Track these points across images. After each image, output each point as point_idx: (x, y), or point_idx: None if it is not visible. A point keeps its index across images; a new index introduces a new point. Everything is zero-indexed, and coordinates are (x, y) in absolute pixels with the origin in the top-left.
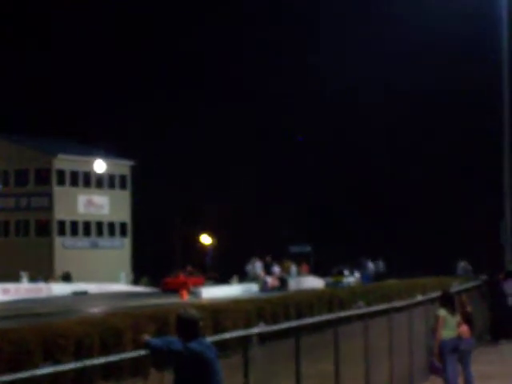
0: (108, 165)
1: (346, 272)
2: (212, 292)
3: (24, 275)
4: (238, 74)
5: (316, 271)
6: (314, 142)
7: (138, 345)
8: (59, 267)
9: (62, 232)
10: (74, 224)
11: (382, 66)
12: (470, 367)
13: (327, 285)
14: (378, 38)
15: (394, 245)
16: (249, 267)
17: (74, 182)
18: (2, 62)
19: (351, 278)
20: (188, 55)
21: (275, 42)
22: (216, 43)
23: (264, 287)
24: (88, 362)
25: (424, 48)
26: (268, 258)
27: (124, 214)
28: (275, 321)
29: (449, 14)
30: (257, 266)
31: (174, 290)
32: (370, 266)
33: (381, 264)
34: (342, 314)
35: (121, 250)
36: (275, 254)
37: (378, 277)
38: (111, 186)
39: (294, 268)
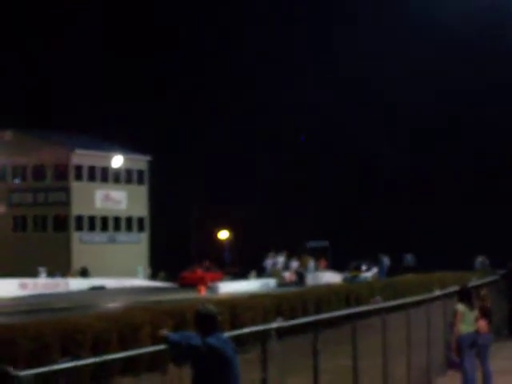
0: (125, 160)
1: (364, 267)
2: (230, 287)
3: (42, 270)
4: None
5: (334, 266)
6: (328, 136)
7: (156, 340)
8: (77, 262)
9: (79, 227)
10: (92, 219)
11: (386, 66)
12: (488, 362)
13: (344, 279)
14: (379, 38)
15: (411, 240)
16: (268, 262)
17: (92, 177)
18: (21, 56)
19: (368, 273)
20: (188, 55)
21: (276, 42)
22: (216, 43)
23: (282, 282)
24: (106, 357)
25: (430, 48)
26: (284, 253)
27: (141, 209)
28: (293, 316)
29: (455, 13)
30: (279, 261)
31: (192, 285)
32: (386, 261)
33: (410, 258)
34: (360, 308)
35: (138, 245)
36: (292, 249)
37: (407, 270)
38: (129, 180)
39: (311, 263)
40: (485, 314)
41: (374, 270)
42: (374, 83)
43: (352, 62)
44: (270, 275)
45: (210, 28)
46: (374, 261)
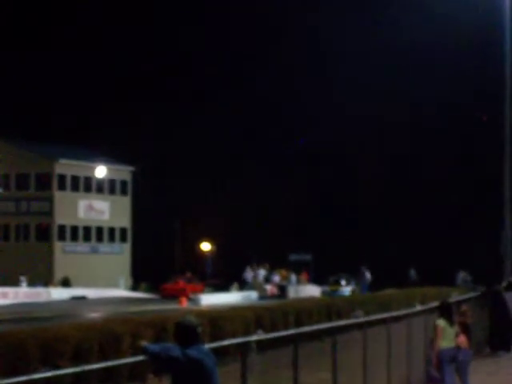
0: (109, 170)
1: (343, 281)
2: (211, 299)
3: (23, 279)
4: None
5: (316, 280)
6: (315, 148)
7: (136, 350)
8: (59, 272)
9: (62, 237)
10: (74, 229)
11: (383, 72)
12: (467, 377)
13: (323, 293)
14: (379, 43)
15: (393, 254)
16: (247, 275)
17: (75, 187)
18: (3, 65)
19: (348, 288)
20: (188, 57)
21: (276, 45)
22: (216, 44)
23: (264, 295)
24: (86, 367)
25: (425, 56)
26: (266, 266)
27: (124, 220)
28: (274, 328)
29: (450, 18)
30: (259, 274)
31: (173, 296)
32: (368, 275)
33: (413, 272)
34: (341, 322)
35: (120, 256)
36: (275, 261)
37: (411, 285)
38: (112, 191)
39: (293, 276)
40: (465, 329)
41: (353, 284)
42: (372, 92)
43: (353, 67)
44: (250, 288)
45: (207, 28)
46: (356, 275)
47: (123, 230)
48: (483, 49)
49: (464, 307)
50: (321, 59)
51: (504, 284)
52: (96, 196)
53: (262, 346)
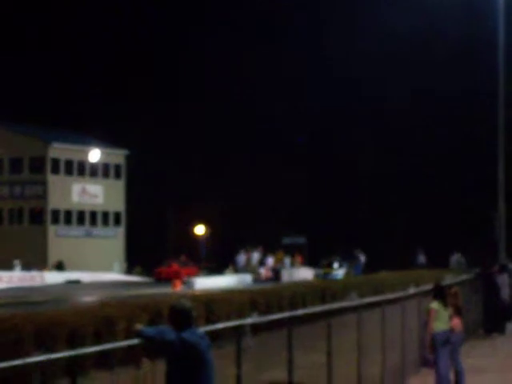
0: (103, 154)
1: (336, 264)
2: (205, 282)
3: (17, 263)
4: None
5: (311, 263)
6: (309, 136)
7: (131, 334)
8: (53, 256)
9: (55, 221)
10: (68, 213)
11: (379, 66)
12: (459, 358)
13: (316, 277)
14: (379, 42)
15: (388, 237)
16: (239, 258)
17: (69, 171)
18: None
19: (340, 271)
20: (188, 51)
21: (275, 46)
22: (215, 42)
23: (258, 278)
24: (81, 351)
25: (421, 49)
26: (260, 249)
27: (118, 204)
28: (268, 311)
29: (443, 14)
30: (254, 257)
31: (167, 280)
32: (362, 258)
33: (421, 257)
34: (335, 305)
35: (114, 240)
36: (269, 245)
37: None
38: (106, 175)
39: (287, 259)
40: (457, 311)
41: (347, 267)
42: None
43: (347, 66)
44: (243, 271)
45: (205, 25)
46: (349, 258)
47: (117, 214)
48: (482, 46)
49: (454, 289)
50: (321, 59)
51: (497, 267)
52: (90, 180)
53: (257, 329)
